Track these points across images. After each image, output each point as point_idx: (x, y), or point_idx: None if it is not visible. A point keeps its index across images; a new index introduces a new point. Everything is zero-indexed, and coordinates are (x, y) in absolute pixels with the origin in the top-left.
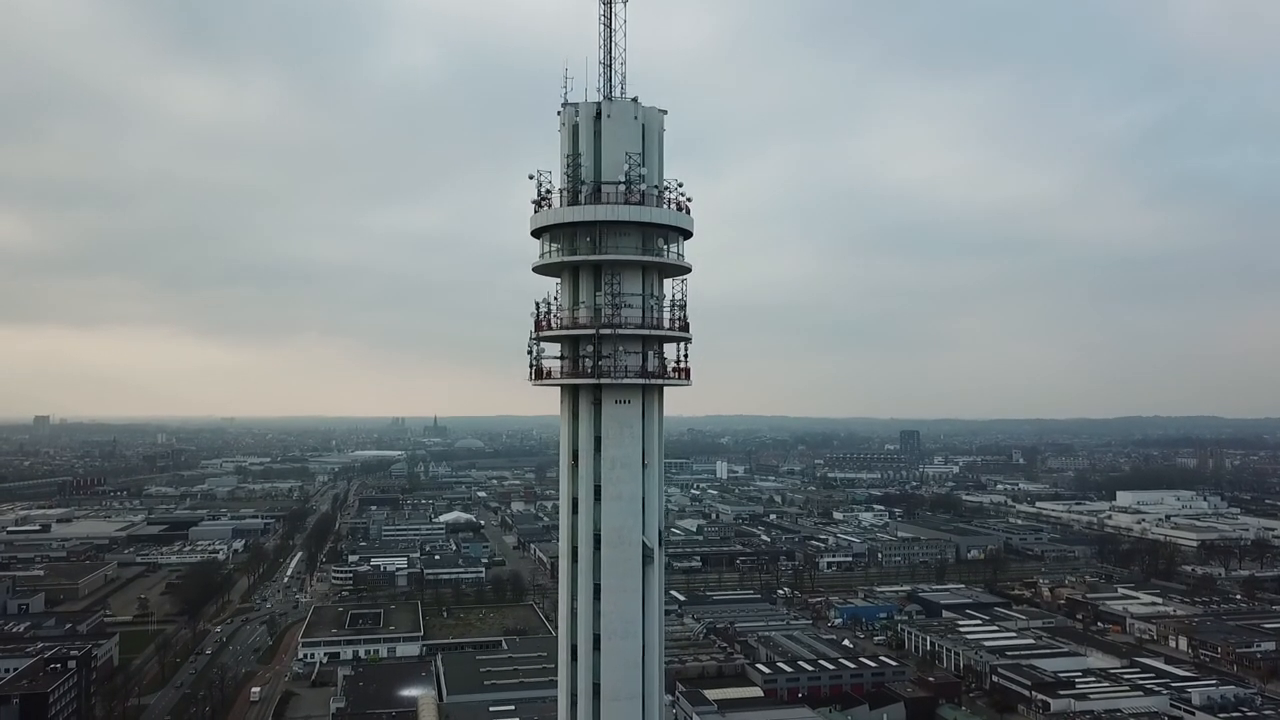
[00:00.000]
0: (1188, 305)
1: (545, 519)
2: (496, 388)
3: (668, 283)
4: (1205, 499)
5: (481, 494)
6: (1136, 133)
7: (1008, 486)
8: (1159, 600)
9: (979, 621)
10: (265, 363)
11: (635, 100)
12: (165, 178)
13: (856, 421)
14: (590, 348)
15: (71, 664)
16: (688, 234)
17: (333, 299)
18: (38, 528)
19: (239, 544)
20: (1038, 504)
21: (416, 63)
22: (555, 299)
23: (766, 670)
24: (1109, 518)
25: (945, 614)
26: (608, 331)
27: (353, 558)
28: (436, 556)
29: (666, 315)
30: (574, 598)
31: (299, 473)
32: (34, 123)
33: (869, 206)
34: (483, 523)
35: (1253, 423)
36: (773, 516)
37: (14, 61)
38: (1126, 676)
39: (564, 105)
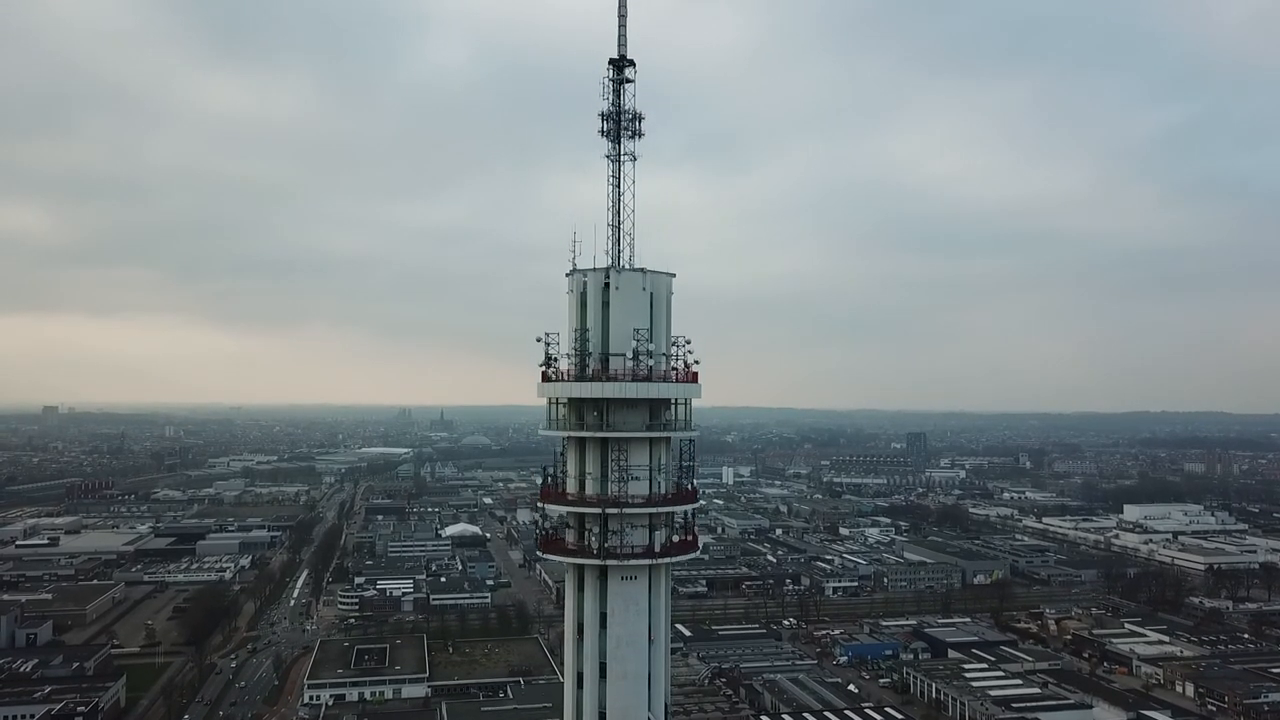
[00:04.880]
0: (1198, 301)
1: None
2: (503, 377)
3: (675, 436)
4: (1213, 514)
5: (488, 500)
6: (1162, 135)
7: (1014, 495)
8: (1166, 639)
9: (985, 665)
10: (274, 351)
11: (644, 270)
12: (187, 173)
13: (863, 414)
14: (597, 527)
15: (79, 719)
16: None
17: (345, 291)
18: (46, 541)
19: (245, 560)
20: (1044, 520)
21: (448, 64)
22: (562, 454)
23: None
24: (1116, 536)
25: (951, 653)
26: (614, 511)
27: (359, 580)
28: (443, 579)
29: (674, 484)
30: None
31: (306, 473)
32: (65, 119)
33: (885, 203)
34: (488, 535)
35: (1260, 419)
36: (779, 531)
37: (52, 63)
38: None
39: (572, 271)
